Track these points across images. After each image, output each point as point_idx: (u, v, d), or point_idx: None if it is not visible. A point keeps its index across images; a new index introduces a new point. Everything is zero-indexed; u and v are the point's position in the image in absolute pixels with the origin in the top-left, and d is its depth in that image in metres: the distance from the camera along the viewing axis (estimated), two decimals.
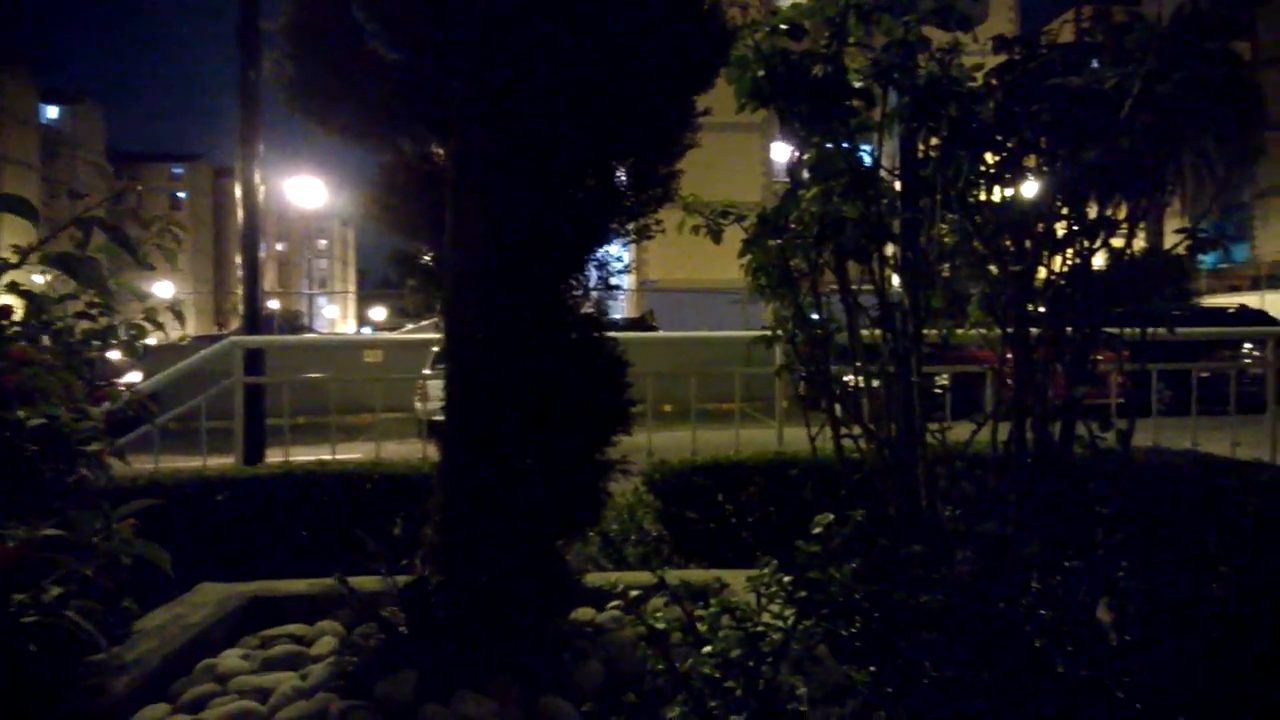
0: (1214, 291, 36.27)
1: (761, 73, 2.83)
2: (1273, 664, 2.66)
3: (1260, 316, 20.51)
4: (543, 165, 2.78)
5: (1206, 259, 3.09)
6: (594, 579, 3.26)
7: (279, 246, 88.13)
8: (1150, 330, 2.72)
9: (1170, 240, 2.78)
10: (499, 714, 2.44)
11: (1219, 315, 19.63)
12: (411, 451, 5.38)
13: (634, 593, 2.42)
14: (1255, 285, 37.64)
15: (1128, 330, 2.72)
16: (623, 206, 2.92)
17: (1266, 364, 6.74)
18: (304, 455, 4.99)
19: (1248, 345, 14.48)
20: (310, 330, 41.65)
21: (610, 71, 2.69)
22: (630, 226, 2.96)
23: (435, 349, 10.68)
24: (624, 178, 2.95)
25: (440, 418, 2.91)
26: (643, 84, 2.74)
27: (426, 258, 3.20)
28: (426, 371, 10.56)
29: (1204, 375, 5.90)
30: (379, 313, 71.03)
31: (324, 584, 3.10)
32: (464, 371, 2.78)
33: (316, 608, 3.19)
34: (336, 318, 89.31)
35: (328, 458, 4.83)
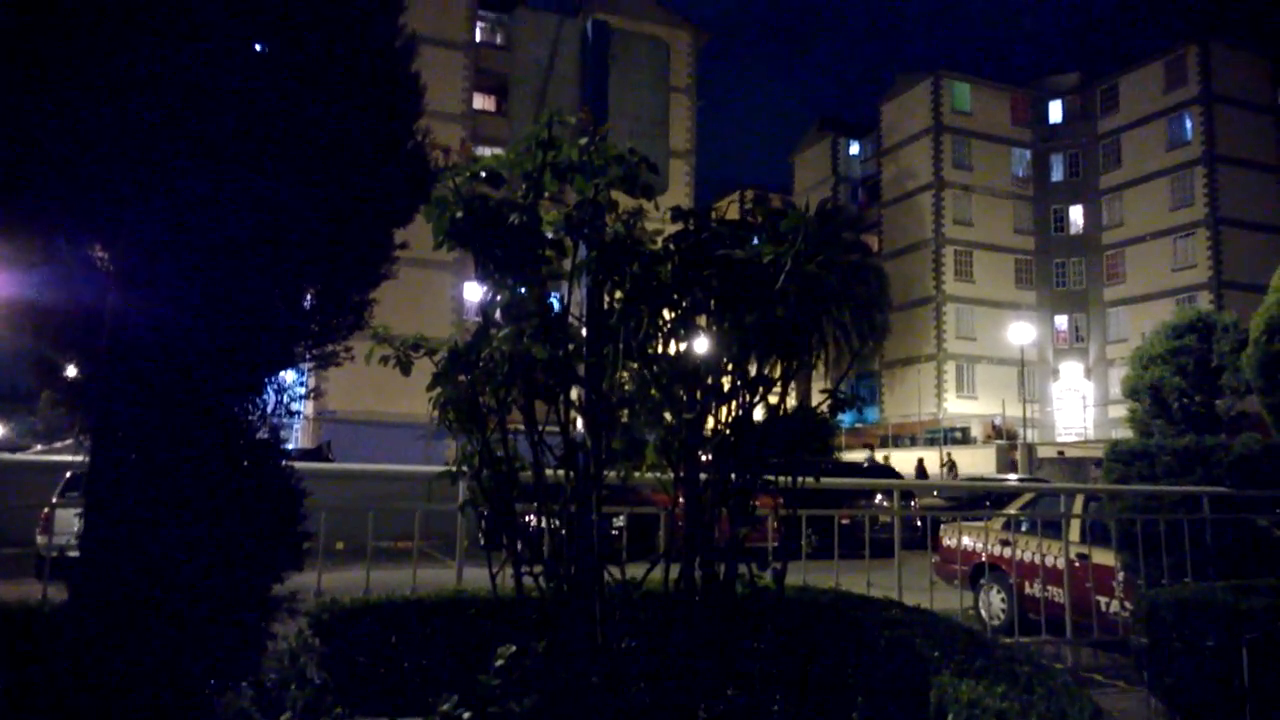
0: (851, 447, 41.05)
1: (460, 214, 2.92)
2: None
3: (887, 470, 23.50)
4: (223, 280, 2.64)
5: (845, 418, 3.54)
6: None
7: None
8: (800, 479, 3.03)
9: (816, 399, 3.16)
10: None
11: (855, 468, 22.24)
12: (27, 593, 4.62)
13: None
14: (884, 443, 43.14)
15: (782, 478, 3.02)
16: (310, 330, 2.83)
17: (893, 513, 7.69)
18: None
19: (879, 496, 16.46)
20: None
21: (307, 198, 2.64)
22: (317, 352, 2.86)
23: (69, 473, 9.38)
24: (315, 301, 2.87)
25: (73, 553, 2.57)
26: (341, 213, 2.72)
27: (72, 369, 2.88)
28: (55, 499, 9.22)
29: (844, 522, 6.60)
30: None
31: None
32: (113, 498, 2.49)
33: None
34: None
35: None
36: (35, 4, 2.75)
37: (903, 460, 34.63)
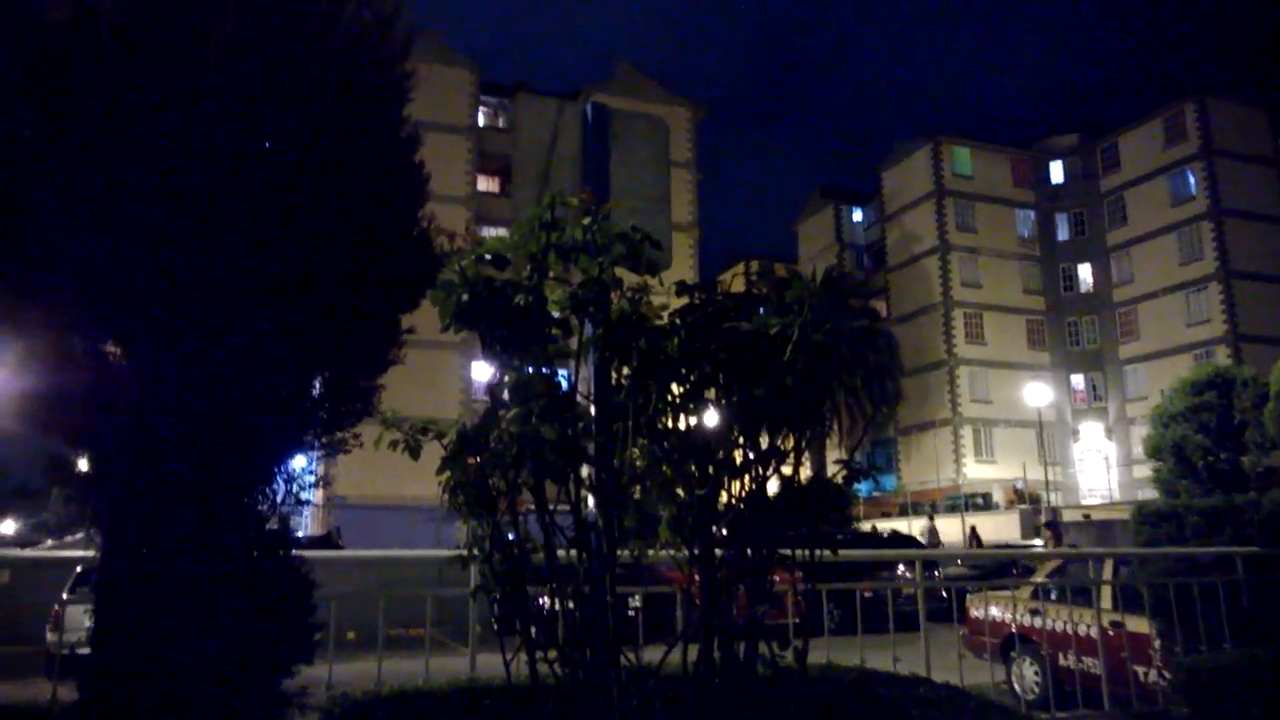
0: (869, 517, 40.39)
1: (466, 297, 2.93)
2: None
3: (908, 540, 23.07)
4: (234, 371, 2.64)
5: (862, 486, 3.47)
6: None
7: None
8: (818, 552, 2.96)
9: (831, 470, 3.10)
10: None
11: (874, 539, 21.83)
12: (37, 694, 4.53)
13: None
14: (903, 511, 42.44)
15: (799, 551, 2.95)
16: (320, 418, 2.81)
17: (916, 584, 7.52)
18: None
19: (901, 567, 16.11)
20: None
21: (315, 288, 2.66)
22: (326, 439, 2.84)
23: (79, 569, 9.32)
24: (324, 389, 2.86)
25: (83, 651, 2.52)
26: (349, 302, 2.73)
27: (83, 463, 2.87)
28: (65, 596, 9.13)
29: (867, 595, 6.44)
30: (7, 526, 61.26)
31: None
32: (123, 591, 2.44)
33: None
34: None
35: None
36: (50, 107, 2.82)
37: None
